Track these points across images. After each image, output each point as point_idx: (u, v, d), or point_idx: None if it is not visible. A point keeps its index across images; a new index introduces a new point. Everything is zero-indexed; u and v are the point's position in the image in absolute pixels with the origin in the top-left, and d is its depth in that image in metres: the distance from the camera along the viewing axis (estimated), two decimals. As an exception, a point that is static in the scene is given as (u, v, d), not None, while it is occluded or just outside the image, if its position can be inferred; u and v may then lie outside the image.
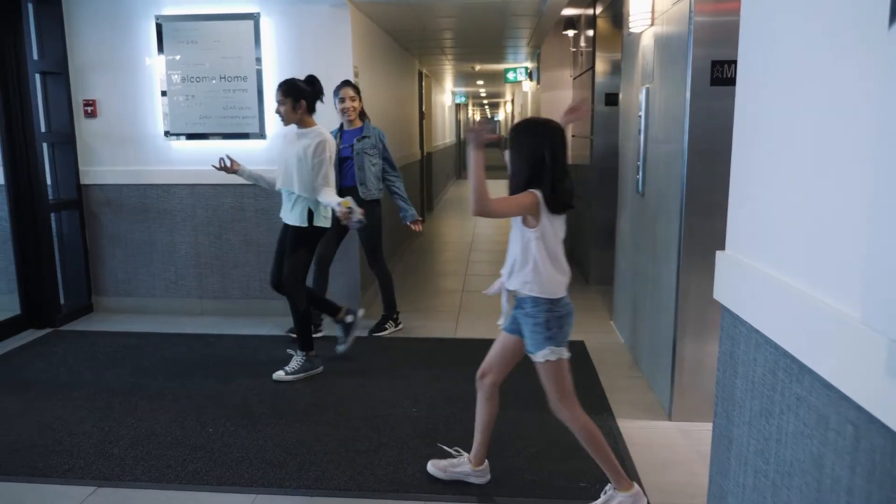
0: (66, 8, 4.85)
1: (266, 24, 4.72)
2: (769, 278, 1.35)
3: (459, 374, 3.85)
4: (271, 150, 4.82)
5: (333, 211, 3.69)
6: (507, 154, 2.45)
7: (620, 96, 4.56)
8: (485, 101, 24.63)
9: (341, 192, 4.18)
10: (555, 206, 2.29)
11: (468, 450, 2.74)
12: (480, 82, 13.80)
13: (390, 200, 4.64)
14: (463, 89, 16.57)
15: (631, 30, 3.93)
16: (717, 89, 2.95)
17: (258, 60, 4.74)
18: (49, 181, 4.84)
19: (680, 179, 3.09)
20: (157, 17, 4.78)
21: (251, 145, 4.86)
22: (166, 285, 5.07)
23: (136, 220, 5.03)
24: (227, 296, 5.05)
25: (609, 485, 2.46)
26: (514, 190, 2.34)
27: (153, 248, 5.05)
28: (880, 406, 0.95)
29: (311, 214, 3.74)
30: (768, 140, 1.41)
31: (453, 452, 2.78)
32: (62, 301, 4.96)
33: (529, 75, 9.08)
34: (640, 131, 3.80)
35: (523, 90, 10.49)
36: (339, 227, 4.10)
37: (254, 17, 4.70)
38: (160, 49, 4.81)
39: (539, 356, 2.36)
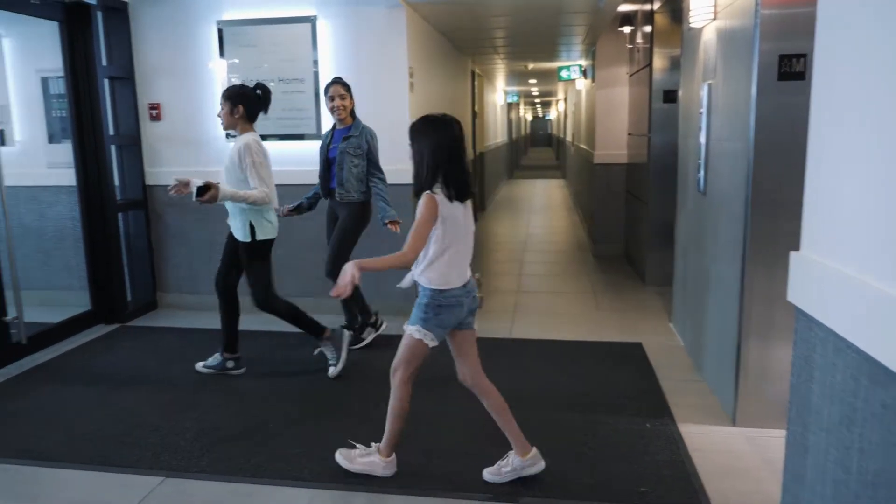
0: (132, 16, 5.03)
1: (323, 27, 4.79)
2: (850, 280, 1.29)
3: (516, 375, 3.84)
4: (328, 150, 4.90)
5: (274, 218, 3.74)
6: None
7: (680, 93, 4.46)
8: (536, 100, 24.47)
9: (329, 194, 4.21)
10: (453, 196, 2.43)
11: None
12: (533, 81, 13.71)
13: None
14: (515, 88, 16.49)
15: (692, 25, 3.84)
16: (785, 84, 2.86)
17: (315, 63, 4.82)
18: (116, 182, 5.02)
19: (745, 177, 3.00)
20: (219, 23, 4.90)
21: (307, 146, 4.93)
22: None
23: (198, 219, 5.17)
24: (283, 293, 5.12)
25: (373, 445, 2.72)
26: (416, 189, 2.47)
27: (214, 247, 5.16)
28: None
29: (252, 228, 3.65)
30: (850, 135, 1.35)
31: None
32: (129, 297, 5.14)
33: (584, 73, 8.97)
34: (701, 129, 3.70)
35: (577, 88, 10.37)
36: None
37: (311, 21, 4.78)
38: (221, 53, 4.93)
39: (409, 328, 2.58)
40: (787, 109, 2.81)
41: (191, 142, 5.11)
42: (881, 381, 1.17)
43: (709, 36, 3.67)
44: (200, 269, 5.22)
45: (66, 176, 4.89)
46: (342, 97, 4.05)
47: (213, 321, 4.88)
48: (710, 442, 3.00)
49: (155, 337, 4.63)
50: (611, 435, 3.07)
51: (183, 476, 2.79)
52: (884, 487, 1.17)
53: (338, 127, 4.22)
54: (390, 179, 4.89)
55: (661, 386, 3.63)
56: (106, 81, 4.92)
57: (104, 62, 4.88)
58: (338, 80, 4.10)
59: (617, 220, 7.17)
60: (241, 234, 3.69)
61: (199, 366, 3.94)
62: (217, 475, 2.78)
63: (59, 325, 4.58)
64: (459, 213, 2.48)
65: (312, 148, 4.91)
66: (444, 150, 2.44)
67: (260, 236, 3.67)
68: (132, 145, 5.11)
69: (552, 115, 29.60)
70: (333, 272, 3.95)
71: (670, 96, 5.50)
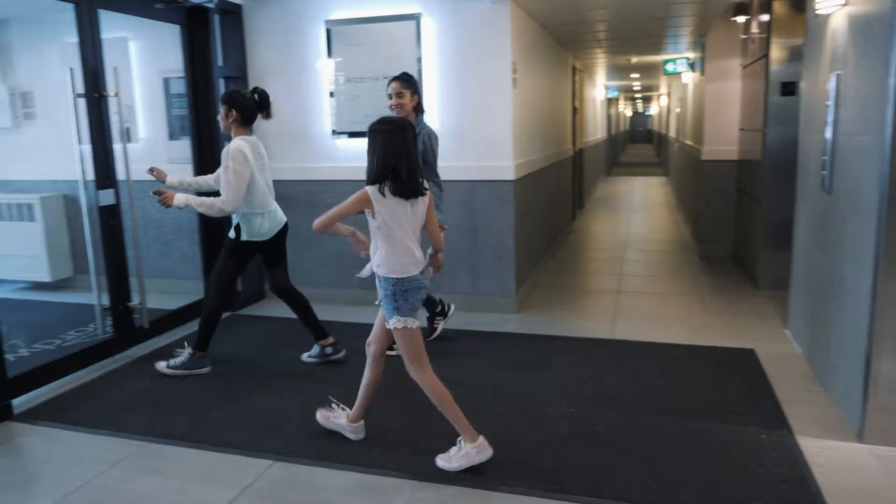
0: (246, 18, 5.25)
1: (427, 24, 4.83)
2: None
3: (619, 377, 3.74)
4: (430, 146, 4.94)
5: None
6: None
7: (802, 85, 4.19)
8: (637, 95, 23.78)
9: None
10: (399, 193, 2.64)
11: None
12: (635, 75, 13.31)
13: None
14: (615, 83, 16.08)
15: (818, 11, 3.59)
16: (929, 73, 2.62)
17: (418, 60, 4.86)
18: (230, 177, 5.26)
19: (879, 175, 2.78)
20: (327, 22, 5.04)
21: (411, 142, 4.99)
22: (332, 275, 5.35)
23: (304, 213, 5.33)
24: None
25: (460, 438, 2.79)
26: (367, 182, 2.70)
27: (319, 241, 5.34)
28: None
29: (239, 229, 3.74)
30: None
31: (336, 406, 3.13)
32: (239, 288, 5.38)
33: (691, 66, 8.62)
34: (827, 123, 3.46)
35: (682, 82, 9.98)
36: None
37: (415, 18, 4.82)
38: (328, 52, 5.07)
39: (391, 324, 2.75)
40: (931, 100, 2.57)
41: (298, 138, 5.28)
42: None
43: (838, 23, 3.42)
44: (305, 261, 5.40)
45: (185, 171, 5.17)
46: (399, 95, 3.91)
47: (319, 312, 5.04)
48: (833, 458, 2.80)
49: (263, 326, 4.83)
50: (721, 444, 2.93)
51: (290, 461, 2.88)
52: None
53: None
54: (485, 176, 4.88)
55: (776, 395, 3.42)
56: (221, 81, 5.17)
57: (220, 63, 5.12)
58: (397, 77, 3.95)
59: (725, 220, 6.85)
60: (232, 230, 3.81)
61: (304, 356, 4.08)
62: (322, 462, 2.86)
63: (176, 312, 4.86)
64: (400, 209, 2.67)
65: (415, 144, 4.98)
66: (393, 151, 2.64)
67: (244, 237, 3.76)
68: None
69: (653, 110, 28.68)
70: None
71: (789, 89, 5.18)
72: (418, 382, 2.81)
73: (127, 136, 5.52)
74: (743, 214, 6.39)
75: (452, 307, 4.51)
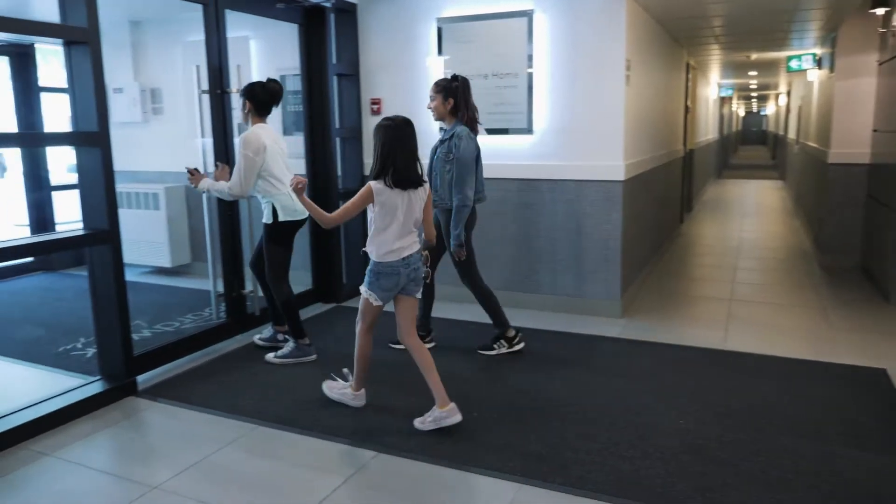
0: (360, 16, 5.36)
1: (539, 21, 4.76)
2: None
3: (732, 390, 3.54)
4: (539, 144, 4.87)
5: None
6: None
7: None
8: (753, 94, 22.59)
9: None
10: (398, 184, 2.95)
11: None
12: (753, 73, 12.64)
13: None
14: (730, 81, 15.33)
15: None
16: None
17: (529, 58, 4.80)
18: (339, 172, 5.40)
19: None
20: (438, 20, 5.07)
21: (518, 140, 4.94)
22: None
23: (410, 209, 5.40)
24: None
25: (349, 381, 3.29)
26: (371, 175, 3.01)
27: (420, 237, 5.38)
28: None
29: (275, 211, 3.87)
30: None
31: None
32: (344, 280, 5.51)
33: (818, 63, 8.06)
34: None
35: (807, 80, 9.37)
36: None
37: (528, 14, 4.76)
38: (439, 50, 5.09)
39: (361, 289, 3.17)
40: None
41: (406, 135, 5.34)
42: None
43: None
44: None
45: (297, 166, 5.35)
46: (431, 98, 3.92)
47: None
48: (983, 494, 2.53)
49: (366, 318, 4.91)
50: (850, 469, 2.71)
51: (393, 454, 2.91)
52: None
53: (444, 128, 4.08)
54: (593, 175, 4.74)
55: (913, 420, 3.13)
56: (334, 79, 5.30)
57: (334, 60, 5.26)
58: (436, 82, 3.96)
59: (853, 228, 6.36)
60: (265, 216, 3.94)
61: (256, 338, 4.33)
62: (424, 457, 2.87)
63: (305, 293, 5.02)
64: (398, 199, 2.98)
65: (524, 142, 4.93)
66: (394, 147, 2.94)
67: (281, 218, 3.89)
68: (354, 138, 5.46)
69: (769, 109, 27.17)
70: (468, 280, 4.13)
71: (934, 86, 4.74)
72: (357, 335, 3.26)
73: (241, 130, 5.79)
74: (874, 223, 5.91)
75: (522, 345, 4.16)
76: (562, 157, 4.82)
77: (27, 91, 6.55)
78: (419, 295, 3.22)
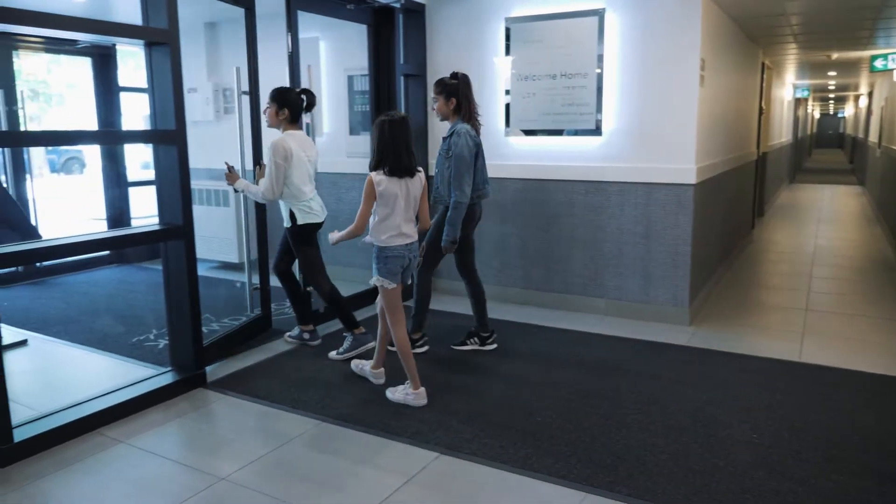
0: (428, 17, 5.37)
1: (611, 20, 4.66)
2: None
3: (809, 405, 3.38)
4: (607, 146, 4.77)
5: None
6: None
7: None
8: (830, 95, 21.65)
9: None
10: (395, 173, 3.24)
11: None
12: (832, 73, 12.08)
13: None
14: (806, 82, 14.70)
15: None
16: None
17: (599, 57, 4.70)
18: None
19: None
20: (507, 20, 5.02)
21: (586, 142, 4.85)
22: (494, 273, 5.35)
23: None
24: (550, 288, 5.14)
25: (407, 381, 3.43)
26: (370, 167, 3.29)
27: (485, 238, 5.35)
28: None
29: (293, 214, 3.98)
30: None
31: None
32: (408, 281, 5.52)
33: (905, 62, 7.65)
34: None
35: (893, 80, 8.90)
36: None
37: (599, 13, 4.67)
38: (506, 50, 5.05)
39: (372, 281, 3.37)
40: None
41: (471, 135, 5.31)
42: None
43: None
44: (471, 257, 5.43)
45: (362, 165, 5.40)
46: (434, 100, 3.99)
47: (467, 308, 5.07)
48: None
49: (428, 318, 4.90)
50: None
51: (456, 455, 2.89)
52: None
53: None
54: (663, 178, 4.61)
55: None
56: (402, 79, 5.33)
57: (401, 61, 5.28)
58: (435, 83, 4.01)
59: (941, 237, 6.00)
60: (285, 220, 4.06)
61: (286, 335, 4.37)
62: (487, 460, 2.84)
63: (349, 298, 5.07)
64: (396, 187, 3.24)
65: (592, 143, 4.83)
66: (390, 140, 3.22)
67: (300, 221, 4.00)
68: (418, 138, 5.47)
69: (847, 111, 25.99)
70: (422, 275, 4.11)
71: None
72: (390, 328, 3.43)
73: (310, 130, 5.89)
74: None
75: (493, 346, 4.21)
76: (631, 160, 4.71)
77: (108, 91, 6.83)
78: (409, 282, 3.54)
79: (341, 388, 3.64)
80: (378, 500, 2.57)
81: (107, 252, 6.72)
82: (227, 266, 6.61)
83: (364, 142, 5.45)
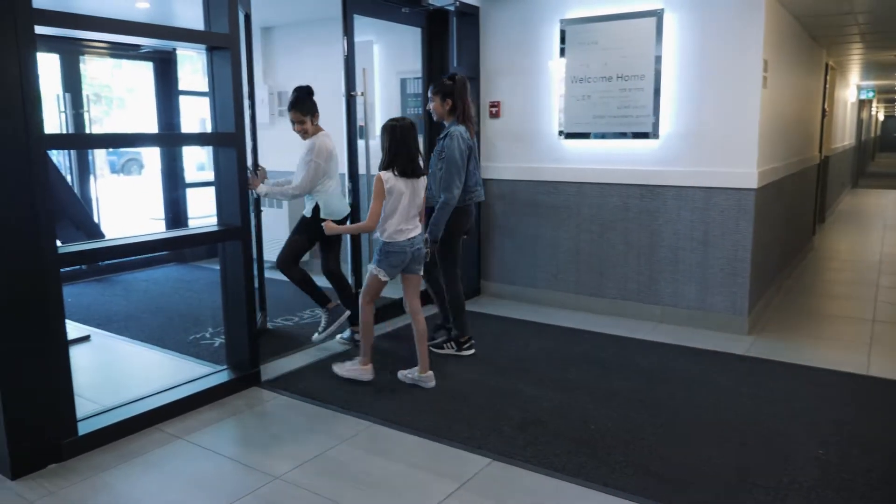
0: (482, 19, 5.35)
1: (669, 20, 4.56)
2: None
3: (879, 421, 3.24)
4: (664, 149, 4.67)
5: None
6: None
7: None
8: None
9: None
10: (403, 174, 3.49)
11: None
12: (900, 74, 11.60)
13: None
14: (871, 83, 14.16)
15: None
16: None
17: (657, 59, 4.60)
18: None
19: None
20: (562, 22, 4.96)
21: (642, 145, 4.75)
22: (547, 278, 5.29)
23: (526, 213, 5.34)
24: (603, 294, 5.06)
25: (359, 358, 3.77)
26: (380, 167, 3.52)
27: (538, 242, 5.30)
28: None
29: (317, 208, 4.15)
30: None
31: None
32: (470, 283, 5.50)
33: (981, 62, 7.27)
34: None
35: (966, 81, 8.49)
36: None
37: (657, 14, 4.57)
38: (561, 52, 4.99)
39: (370, 267, 3.64)
40: None
41: (524, 138, 5.28)
42: None
43: None
44: (522, 261, 5.39)
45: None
46: (430, 100, 4.07)
47: (531, 312, 5.03)
48: None
49: (479, 323, 4.88)
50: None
51: (509, 462, 2.85)
52: None
53: None
54: (723, 182, 4.48)
55: None
56: (455, 81, 5.31)
57: (455, 63, 5.27)
58: (433, 84, 4.10)
59: None
60: (306, 210, 4.23)
61: (316, 336, 4.37)
62: (541, 468, 2.79)
63: (399, 300, 5.08)
64: (403, 187, 3.49)
65: (648, 147, 4.74)
66: (396, 143, 3.47)
67: (323, 214, 4.14)
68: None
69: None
70: (432, 277, 4.23)
71: None
72: (360, 306, 3.69)
73: (363, 133, 5.94)
74: None
75: (471, 352, 4.19)
76: (689, 163, 4.59)
77: (168, 94, 7.01)
78: (421, 272, 3.74)
79: (391, 390, 3.64)
80: (431, 504, 2.55)
81: (166, 251, 6.90)
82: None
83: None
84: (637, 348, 4.28)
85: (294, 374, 3.90)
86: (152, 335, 4.61)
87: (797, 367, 3.96)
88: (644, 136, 4.72)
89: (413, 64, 5.43)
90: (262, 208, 6.52)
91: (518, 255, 5.42)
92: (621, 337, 4.51)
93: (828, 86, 8.45)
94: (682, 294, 4.73)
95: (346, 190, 4.50)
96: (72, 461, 2.89)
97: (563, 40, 4.97)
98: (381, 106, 6.04)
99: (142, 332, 4.67)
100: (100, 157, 13.83)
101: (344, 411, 3.38)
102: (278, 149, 6.68)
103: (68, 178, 6.50)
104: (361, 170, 4.61)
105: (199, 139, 4.08)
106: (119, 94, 14.39)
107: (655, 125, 4.66)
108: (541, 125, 5.20)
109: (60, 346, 2.87)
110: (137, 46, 6.71)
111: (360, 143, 4.56)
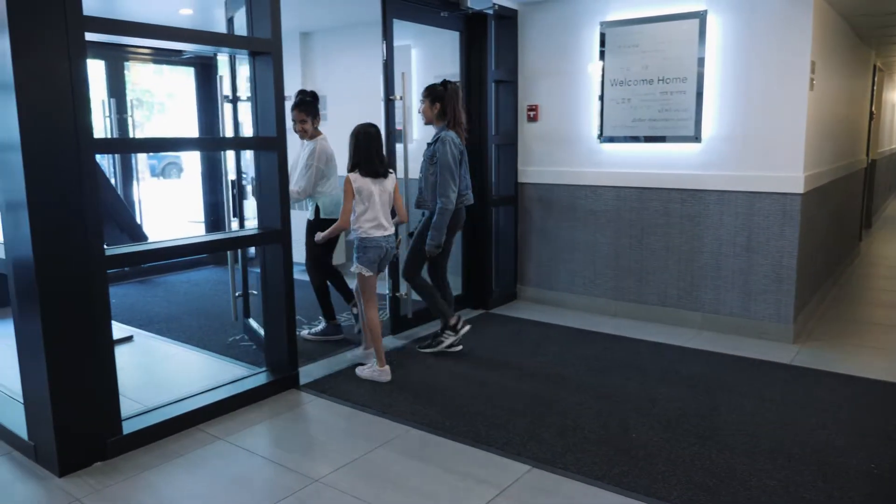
0: (520, 23, 5.32)
1: (712, 22, 4.47)
2: None
3: (935, 433, 3.11)
4: (706, 153, 4.59)
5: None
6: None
7: None
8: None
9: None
10: (368, 174, 3.72)
11: None
12: (950, 75, 11.23)
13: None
14: (920, 85, 13.73)
15: None
16: None
17: (700, 61, 4.52)
18: (493, 179, 5.38)
19: None
20: (602, 24, 4.91)
21: (683, 149, 4.67)
22: (584, 283, 5.23)
23: (563, 218, 5.29)
24: (642, 300, 4.98)
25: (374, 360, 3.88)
26: (348, 168, 3.76)
27: (576, 247, 5.25)
28: None
29: (318, 209, 4.40)
30: None
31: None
32: (494, 287, 5.49)
33: None
34: None
35: None
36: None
37: (700, 16, 4.50)
38: (601, 55, 4.94)
39: (352, 268, 3.81)
40: None
41: (563, 142, 5.24)
42: None
43: None
44: (559, 266, 5.34)
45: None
46: (420, 102, 4.15)
47: (568, 318, 4.98)
48: None
49: (515, 327, 4.86)
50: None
51: (549, 469, 2.82)
52: None
53: None
54: (768, 187, 4.37)
55: None
56: (493, 85, 5.30)
57: (493, 67, 5.25)
58: (426, 87, 4.17)
59: None
60: (309, 213, 4.46)
61: (304, 334, 4.55)
62: (581, 476, 2.76)
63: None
64: (371, 186, 3.71)
65: (690, 150, 4.66)
66: (365, 147, 3.71)
67: (322, 215, 4.37)
68: (509, 144, 5.43)
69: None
70: (406, 276, 4.26)
71: None
72: (364, 311, 3.86)
73: (401, 137, 5.96)
74: None
75: (467, 328, 4.30)
76: (732, 167, 4.50)
77: (209, 99, 7.13)
78: (385, 272, 3.97)
79: (431, 393, 3.63)
80: (470, 511, 2.53)
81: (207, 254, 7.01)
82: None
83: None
84: (677, 355, 4.21)
85: (333, 376, 3.91)
86: (193, 336, 4.68)
87: (845, 377, 3.84)
88: (686, 139, 4.64)
89: (451, 68, 5.43)
90: (297, 211, 6.63)
91: (555, 260, 5.37)
92: (661, 344, 4.43)
93: (875, 87, 8.22)
94: (724, 301, 4.64)
95: None
96: (116, 459, 2.95)
97: (602, 43, 4.92)
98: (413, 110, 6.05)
99: (183, 333, 4.75)
100: (141, 160, 14.14)
101: (382, 415, 3.38)
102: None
103: (112, 182, 6.65)
104: (399, 174, 4.61)
105: (242, 143, 4.13)
106: (160, 98, 14.70)
107: (698, 128, 4.58)
108: (579, 129, 5.15)
109: (107, 347, 2.93)
110: (180, 52, 6.84)
111: (398, 146, 4.57)
